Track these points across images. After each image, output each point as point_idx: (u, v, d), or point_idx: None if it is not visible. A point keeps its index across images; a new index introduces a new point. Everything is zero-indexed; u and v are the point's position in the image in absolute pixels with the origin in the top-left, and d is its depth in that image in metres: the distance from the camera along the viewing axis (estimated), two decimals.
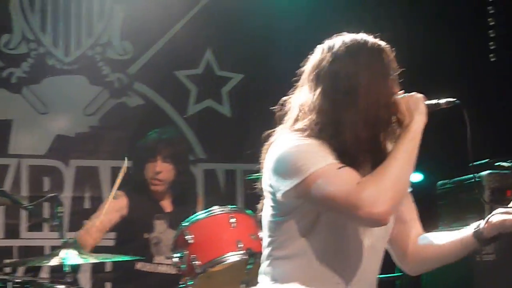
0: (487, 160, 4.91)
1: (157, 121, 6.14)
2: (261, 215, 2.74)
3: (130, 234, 4.91)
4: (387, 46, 2.66)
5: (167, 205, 5.04)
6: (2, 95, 6.11)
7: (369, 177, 2.44)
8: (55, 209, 4.18)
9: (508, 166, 4.85)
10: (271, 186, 2.62)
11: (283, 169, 2.53)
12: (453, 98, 2.65)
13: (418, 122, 2.52)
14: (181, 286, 4.08)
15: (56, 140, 6.19)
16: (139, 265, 4.87)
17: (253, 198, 5.57)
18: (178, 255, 4.04)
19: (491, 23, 6.72)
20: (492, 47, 6.71)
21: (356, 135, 2.52)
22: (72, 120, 6.26)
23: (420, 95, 2.59)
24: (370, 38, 2.65)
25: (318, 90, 2.59)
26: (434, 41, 6.44)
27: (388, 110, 2.56)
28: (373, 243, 2.67)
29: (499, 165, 4.84)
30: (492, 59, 6.72)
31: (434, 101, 2.60)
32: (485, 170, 4.85)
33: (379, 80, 2.56)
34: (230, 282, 4.05)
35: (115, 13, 6.46)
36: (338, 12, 6.38)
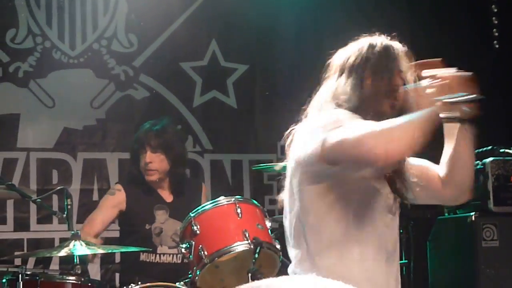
0: (490, 147, 4.98)
1: (163, 113, 6.10)
2: (277, 205, 3.00)
3: (132, 226, 4.93)
4: (398, 46, 3.04)
5: (166, 195, 5.02)
6: (10, 89, 6.08)
7: (375, 126, 2.71)
8: (64, 202, 4.22)
9: None
10: (304, 160, 2.87)
11: (314, 131, 2.83)
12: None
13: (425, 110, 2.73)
14: (189, 276, 4.09)
15: (64, 133, 6.20)
16: (143, 256, 4.87)
17: (259, 188, 5.98)
18: (186, 245, 4.03)
19: (495, 10, 6.79)
20: (495, 34, 6.78)
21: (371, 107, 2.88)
22: (79, 113, 6.27)
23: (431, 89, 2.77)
24: (387, 41, 3.03)
25: (348, 79, 2.96)
26: (437, 28, 6.56)
27: (388, 97, 2.92)
28: (393, 217, 2.99)
29: (504, 151, 4.91)
30: (496, 46, 6.79)
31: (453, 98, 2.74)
32: (489, 157, 4.91)
33: (382, 74, 2.95)
34: (237, 272, 4.03)
35: (120, 6, 6.45)
36: (342, 2, 6.46)
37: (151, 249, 4.77)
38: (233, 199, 4.07)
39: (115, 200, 4.90)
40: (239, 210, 4.02)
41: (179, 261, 4.81)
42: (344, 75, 2.98)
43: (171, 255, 4.88)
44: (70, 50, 6.26)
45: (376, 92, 2.90)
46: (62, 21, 6.25)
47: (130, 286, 4.09)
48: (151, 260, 4.85)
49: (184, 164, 5.06)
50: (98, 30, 6.37)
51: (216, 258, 3.92)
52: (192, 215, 4.05)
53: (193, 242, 3.97)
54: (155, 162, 4.88)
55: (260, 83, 6.65)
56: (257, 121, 6.55)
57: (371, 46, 3.00)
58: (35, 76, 6.13)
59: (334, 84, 2.99)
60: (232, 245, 3.90)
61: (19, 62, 6.12)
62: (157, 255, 4.86)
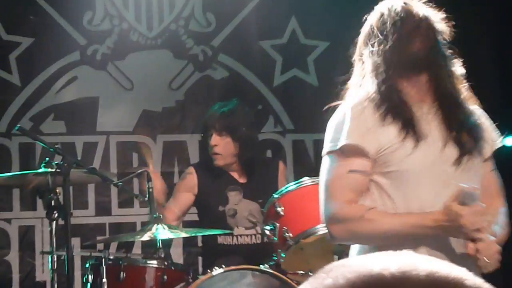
0: None
1: (242, 93, 6.09)
2: None
3: (206, 208, 4.91)
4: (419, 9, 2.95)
5: (239, 176, 4.96)
6: (88, 73, 6.12)
7: (360, 215, 2.79)
8: (145, 185, 4.24)
9: None
10: None
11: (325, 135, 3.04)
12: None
13: (436, 220, 2.73)
14: (273, 258, 4.12)
15: (143, 115, 6.20)
16: (221, 239, 4.85)
17: None
18: (270, 227, 4.03)
19: None
20: None
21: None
22: (158, 95, 6.26)
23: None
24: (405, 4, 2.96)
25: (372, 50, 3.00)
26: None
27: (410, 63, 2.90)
28: None
29: None
30: None
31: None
32: None
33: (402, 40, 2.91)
34: (322, 254, 4.00)
35: None
36: None
37: (231, 231, 4.78)
38: (317, 179, 3.79)
39: (187, 185, 4.88)
40: None
41: (258, 241, 4.80)
42: (369, 46, 2.98)
43: (249, 236, 4.86)
44: (147, 31, 6.26)
45: (398, 59, 2.90)
46: (139, 2, 6.24)
47: (214, 269, 4.11)
48: (228, 243, 4.83)
49: (253, 147, 4.97)
50: (175, 10, 6.33)
51: (302, 240, 3.92)
52: (275, 196, 4.04)
53: (277, 224, 3.98)
54: (220, 146, 4.81)
55: (340, 60, 6.44)
56: (339, 99, 6.35)
57: (391, 11, 2.94)
58: (113, 58, 6.15)
59: (365, 57, 2.98)
60: (318, 227, 3.86)
61: (97, 45, 6.14)
62: (235, 237, 4.85)
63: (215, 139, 4.78)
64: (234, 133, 4.77)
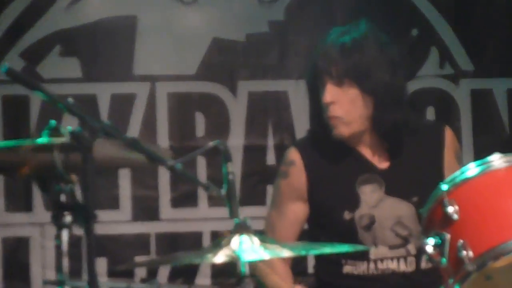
0: None
1: (380, 9, 5.29)
2: None
3: (321, 217, 4.10)
4: None
5: (378, 156, 4.10)
6: None
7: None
8: (222, 168, 3.12)
9: None
10: None
11: None
12: None
13: None
14: None
15: (213, 48, 5.28)
16: (349, 267, 4.01)
17: None
18: (434, 241, 3.15)
19: None
20: None
21: None
22: (238, 13, 5.39)
23: None
24: None
25: None
26: None
27: None
28: None
29: None
30: None
31: None
32: None
33: None
34: None
35: None
36: None
37: (368, 248, 3.98)
38: None
39: (291, 186, 4.09)
40: None
41: (411, 269, 3.94)
42: None
43: (397, 260, 3.99)
44: None
45: None
46: None
47: None
48: (362, 273, 3.99)
49: (400, 104, 4.06)
50: None
51: (489, 263, 3.08)
52: (444, 188, 3.20)
53: (447, 235, 3.14)
54: (341, 102, 3.99)
55: None
56: None
57: None
58: None
59: None
60: None
61: None
62: (372, 263, 4.01)
63: (331, 92, 3.99)
64: (365, 80, 3.96)
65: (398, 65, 4.10)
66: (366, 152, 4.09)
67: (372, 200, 4.09)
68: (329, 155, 4.11)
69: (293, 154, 4.10)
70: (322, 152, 4.13)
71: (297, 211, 4.09)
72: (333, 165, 4.12)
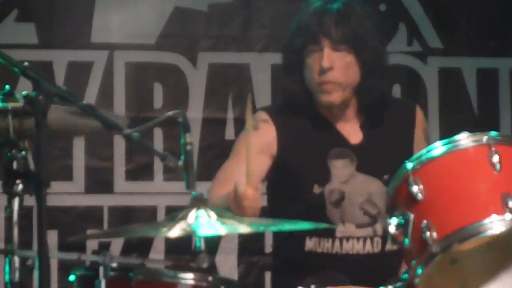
0: None
1: None
2: None
3: (289, 188, 4.11)
4: None
5: (351, 131, 4.16)
6: None
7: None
8: (180, 138, 3.17)
9: None
10: None
11: None
12: None
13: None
14: (403, 277, 3.30)
15: (174, 17, 5.32)
16: (311, 244, 4.04)
17: None
18: (398, 221, 3.22)
19: None
20: None
21: None
22: None
23: None
24: None
25: None
26: None
27: None
28: None
29: None
30: None
31: None
32: None
33: None
34: (495, 269, 3.23)
35: None
36: None
37: (335, 225, 4.01)
38: (485, 137, 3.26)
39: (260, 140, 3.97)
40: (495, 159, 3.16)
41: (377, 250, 3.96)
42: None
43: (362, 240, 4.05)
44: None
45: None
46: None
47: None
48: (326, 250, 4.00)
49: (382, 72, 4.13)
50: None
51: (455, 245, 3.14)
52: (409, 167, 3.25)
53: (411, 215, 3.20)
54: (339, 68, 3.99)
55: None
56: None
57: None
58: None
59: None
60: (484, 221, 3.08)
61: None
62: (337, 240, 4.03)
63: (329, 57, 4.04)
64: (360, 47, 4.06)
65: (382, 33, 4.18)
66: (340, 126, 4.08)
67: (343, 175, 4.09)
68: (302, 125, 4.10)
69: (264, 115, 4.09)
70: (294, 121, 4.11)
71: (261, 164, 4.00)
72: (305, 135, 4.11)
